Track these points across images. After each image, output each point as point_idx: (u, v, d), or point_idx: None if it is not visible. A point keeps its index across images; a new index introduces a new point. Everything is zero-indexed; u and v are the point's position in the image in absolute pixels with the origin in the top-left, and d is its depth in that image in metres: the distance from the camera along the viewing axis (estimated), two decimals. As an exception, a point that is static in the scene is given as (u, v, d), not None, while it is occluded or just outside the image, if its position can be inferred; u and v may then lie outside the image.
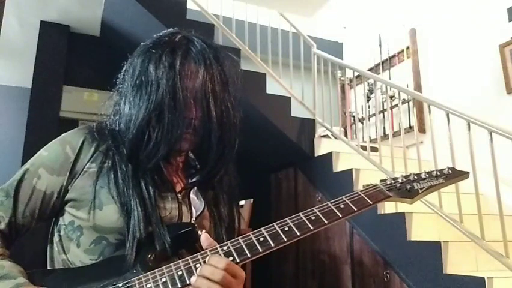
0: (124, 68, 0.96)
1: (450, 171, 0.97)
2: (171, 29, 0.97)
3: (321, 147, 3.44)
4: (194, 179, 0.97)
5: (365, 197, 0.88)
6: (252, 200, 3.09)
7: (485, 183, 2.51)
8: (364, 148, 3.19)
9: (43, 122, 3.43)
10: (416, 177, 0.95)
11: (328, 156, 3.27)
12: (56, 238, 0.89)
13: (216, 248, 0.78)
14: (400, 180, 0.93)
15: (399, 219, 2.52)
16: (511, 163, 2.80)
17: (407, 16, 4.26)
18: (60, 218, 0.89)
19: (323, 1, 5.64)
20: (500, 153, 2.38)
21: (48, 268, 0.89)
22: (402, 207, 2.56)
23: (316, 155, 3.43)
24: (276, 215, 3.84)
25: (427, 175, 0.95)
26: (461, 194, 2.44)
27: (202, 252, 0.79)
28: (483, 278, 2.03)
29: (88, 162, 0.88)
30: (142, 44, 0.96)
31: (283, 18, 3.80)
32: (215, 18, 3.55)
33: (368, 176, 2.92)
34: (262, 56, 3.60)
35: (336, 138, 3.49)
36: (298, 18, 4.77)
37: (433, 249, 2.32)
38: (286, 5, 4.97)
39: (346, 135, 4.25)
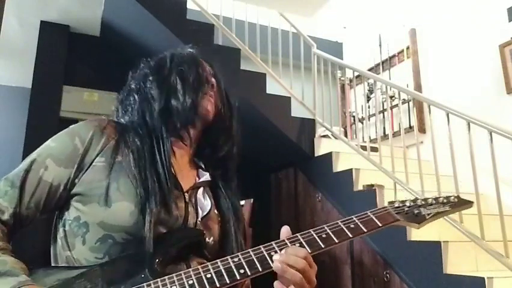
0: (141, 72, 1.04)
1: (456, 200, 0.98)
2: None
3: (321, 147, 3.44)
4: (203, 179, 0.98)
5: (374, 218, 0.88)
6: (252, 200, 3.08)
7: (485, 183, 2.51)
8: (364, 148, 3.19)
9: (43, 122, 3.42)
10: (423, 202, 0.95)
11: (328, 156, 3.27)
12: (60, 233, 0.87)
13: (227, 259, 0.79)
14: (408, 204, 0.93)
15: (399, 219, 2.51)
16: (511, 163, 2.80)
17: (407, 16, 4.27)
18: (66, 212, 0.87)
19: (322, 1, 5.64)
20: (500, 153, 2.38)
21: (52, 265, 0.87)
22: (402, 207, 2.56)
23: (316, 155, 3.42)
24: (276, 215, 3.84)
25: (434, 201, 0.96)
26: (461, 194, 2.43)
27: (213, 262, 0.79)
28: (483, 278, 2.03)
29: (97, 156, 0.87)
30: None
31: (283, 18, 3.80)
32: (215, 18, 3.55)
33: (368, 176, 2.92)
34: (262, 56, 3.60)
35: (336, 138, 3.49)
36: (298, 18, 4.77)
37: (433, 249, 2.32)
38: (286, 5, 4.97)
39: (346, 135, 4.25)
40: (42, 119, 3.46)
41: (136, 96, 0.99)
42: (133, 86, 1.02)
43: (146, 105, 0.97)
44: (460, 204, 0.98)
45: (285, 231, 0.84)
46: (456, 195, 0.99)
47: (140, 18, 3.30)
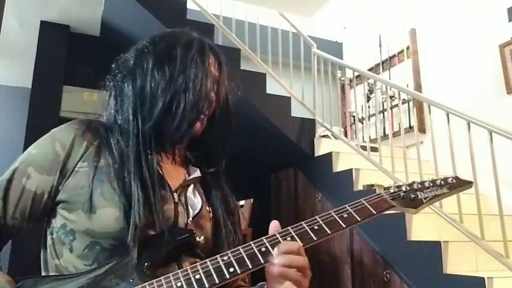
0: (133, 55, 0.95)
1: (454, 181, 0.95)
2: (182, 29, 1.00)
3: (321, 147, 3.44)
4: (194, 175, 0.95)
5: (368, 206, 0.85)
6: (252, 200, 3.08)
7: (485, 183, 2.51)
8: (364, 148, 3.19)
9: (43, 122, 3.42)
10: (419, 186, 0.92)
11: (328, 156, 3.27)
12: (49, 241, 0.85)
13: (217, 258, 0.76)
14: (404, 189, 0.91)
15: (399, 219, 2.52)
16: (511, 163, 2.80)
17: (407, 16, 4.27)
18: (53, 220, 0.85)
19: (322, 1, 5.64)
20: (500, 153, 2.38)
21: (43, 274, 0.85)
22: (402, 207, 2.56)
23: (316, 155, 3.43)
24: (276, 215, 3.84)
25: (431, 184, 0.93)
26: (461, 194, 2.44)
27: (202, 262, 0.77)
28: (483, 278, 2.03)
29: (79, 161, 0.83)
30: (156, 35, 0.99)
31: (283, 18, 3.80)
32: (215, 18, 3.55)
33: (368, 176, 2.92)
34: (262, 56, 3.60)
35: (336, 138, 3.49)
36: (298, 18, 4.77)
37: (433, 249, 2.32)
38: (286, 5, 4.97)
39: (346, 135, 4.25)
40: (42, 119, 3.46)
41: (132, 83, 0.90)
42: (131, 64, 0.92)
43: (142, 98, 0.88)
44: (458, 185, 0.95)
45: (274, 226, 0.81)
46: (454, 176, 0.96)
47: (140, 18, 3.31)
